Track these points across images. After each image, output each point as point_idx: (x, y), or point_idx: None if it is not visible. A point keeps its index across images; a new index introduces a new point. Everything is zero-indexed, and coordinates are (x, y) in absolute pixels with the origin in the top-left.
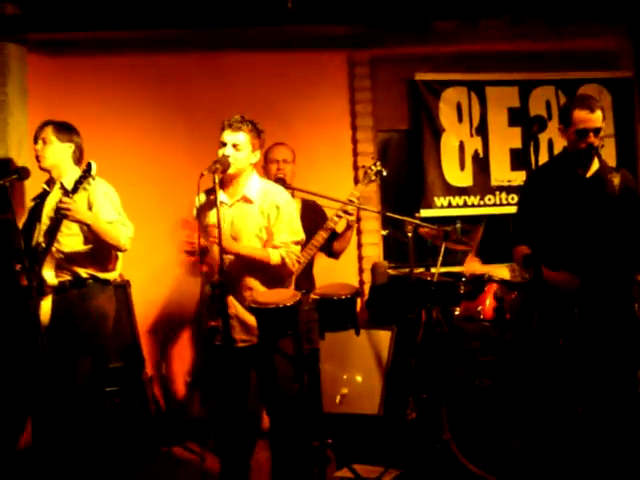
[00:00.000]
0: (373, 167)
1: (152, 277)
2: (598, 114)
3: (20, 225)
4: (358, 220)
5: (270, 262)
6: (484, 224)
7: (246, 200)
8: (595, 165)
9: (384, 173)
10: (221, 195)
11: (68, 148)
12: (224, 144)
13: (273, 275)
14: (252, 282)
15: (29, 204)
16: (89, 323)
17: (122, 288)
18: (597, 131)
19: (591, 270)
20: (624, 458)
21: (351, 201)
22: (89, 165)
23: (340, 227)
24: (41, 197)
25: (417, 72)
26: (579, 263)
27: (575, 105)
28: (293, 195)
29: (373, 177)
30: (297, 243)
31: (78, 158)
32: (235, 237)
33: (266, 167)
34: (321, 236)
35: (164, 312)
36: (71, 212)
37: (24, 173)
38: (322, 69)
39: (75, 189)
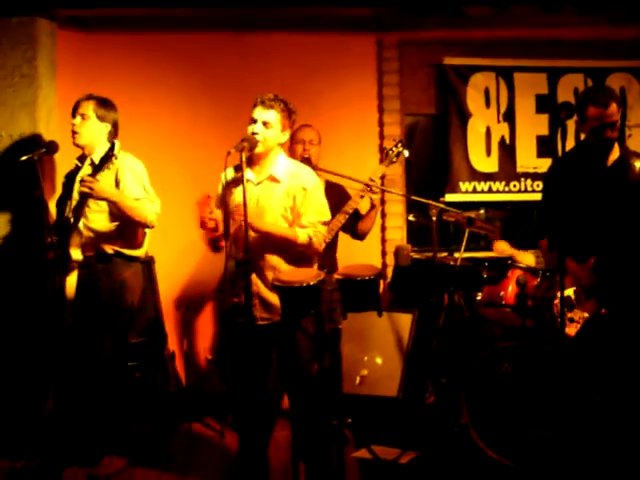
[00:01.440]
0: (394, 148)
1: (177, 254)
2: (612, 108)
3: (55, 199)
4: (382, 202)
5: (297, 241)
6: (508, 211)
7: (273, 179)
8: (615, 153)
9: (406, 154)
10: (248, 173)
11: (104, 127)
12: (254, 121)
13: (298, 255)
14: (276, 261)
15: (62, 180)
16: (114, 298)
17: (147, 264)
18: (613, 125)
19: (612, 265)
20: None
21: (372, 181)
22: (112, 145)
23: (364, 208)
24: (73, 173)
25: (445, 56)
26: (601, 253)
27: (588, 101)
28: (318, 175)
29: (394, 159)
30: (324, 223)
31: (113, 135)
32: (260, 215)
33: (292, 148)
34: (343, 216)
35: (188, 289)
36: (94, 191)
37: (52, 147)
38: (350, 51)
39: (99, 168)
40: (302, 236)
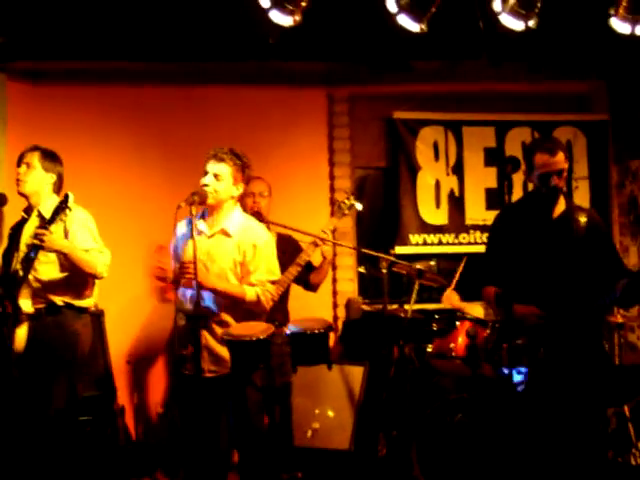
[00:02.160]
0: (346, 201)
1: (126, 306)
2: (560, 156)
3: (0, 252)
4: (334, 255)
5: (245, 299)
6: (465, 260)
7: (225, 233)
8: (561, 206)
9: (358, 207)
10: (201, 224)
11: (50, 178)
12: (206, 173)
13: (246, 311)
14: (225, 316)
15: (8, 231)
16: (65, 350)
17: (97, 317)
18: (560, 173)
19: (557, 307)
20: None
21: (325, 233)
22: (66, 197)
23: (316, 260)
24: (19, 225)
25: (395, 110)
26: (547, 302)
27: (536, 149)
28: (269, 228)
29: (346, 211)
30: (273, 282)
31: (58, 187)
32: (209, 269)
33: (242, 200)
34: (295, 269)
35: (137, 342)
36: (47, 243)
37: (1, 200)
38: (301, 105)
39: (52, 220)
40: (250, 294)
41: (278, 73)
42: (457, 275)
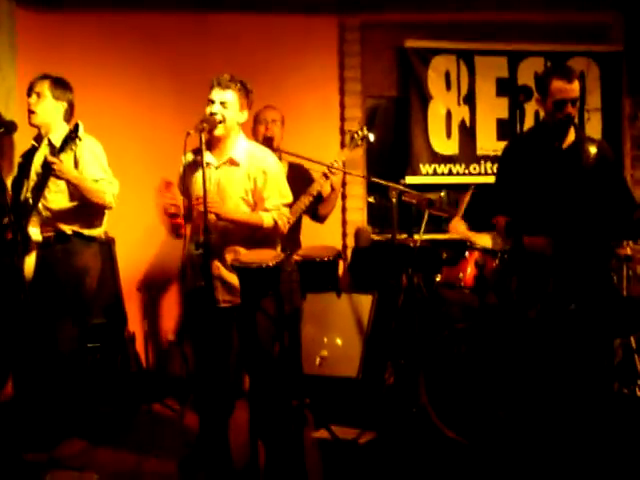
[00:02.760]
0: (360, 132)
1: (138, 235)
2: (576, 84)
3: (10, 180)
4: (343, 184)
5: (263, 225)
6: (473, 189)
7: (232, 162)
8: (571, 136)
9: (371, 138)
10: (208, 156)
11: (61, 106)
12: (212, 102)
13: (261, 238)
14: (238, 247)
15: (18, 160)
16: (73, 278)
17: (107, 245)
18: (574, 101)
19: (566, 237)
20: (598, 430)
21: (336, 163)
22: (76, 126)
23: (325, 191)
24: (30, 153)
25: (407, 39)
26: (556, 232)
27: (552, 75)
28: (280, 158)
29: (359, 142)
30: (287, 205)
31: (69, 115)
32: (222, 200)
33: (255, 128)
34: (307, 199)
35: (149, 270)
36: (57, 171)
37: (11, 127)
38: (312, 33)
39: (62, 149)
40: (267, 220)
41: (290, 0)
42: (464, 204)
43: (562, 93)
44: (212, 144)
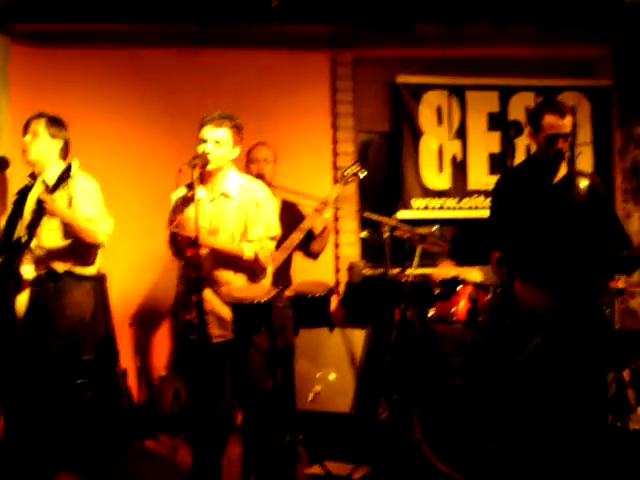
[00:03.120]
0: (350, 169)
1: (131, 270)
2: (568, 119)
3: (5, 218)
4: (336, 219)
5: (243, 256)
6: (456, 230)
7: (225, 196)
8: (562, 171)
9: (361, 175)
10: (200, 191)
11: (56, 144)
12: (204, 141)
13: (248, 269)
14: (228, 276)
15: (13, 197)
16: (64, 317)
17: (98, 282)
18: (566, 136)
19: (560, 282)
20: (592, 463)
21: (327, 201)
22: (69, 165)
23: (317, 227)
24: (24, 191)
25: (399, 74)
26: (548, 270)
27: (545, 110)
28: (274, 193)
29: (350, 179)
30: (272, 238)
31: (65, 153)
32: (213, 232)
33: (247, 166)
34: (297, 236)
35: (141, 306)
36: (49, 210)
37: (3, 164)
38: (305, 68)
39: (55, 187)
40: (247, 251)
41: (282, 36)
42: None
43: (554, 128)
44: (204, 178)
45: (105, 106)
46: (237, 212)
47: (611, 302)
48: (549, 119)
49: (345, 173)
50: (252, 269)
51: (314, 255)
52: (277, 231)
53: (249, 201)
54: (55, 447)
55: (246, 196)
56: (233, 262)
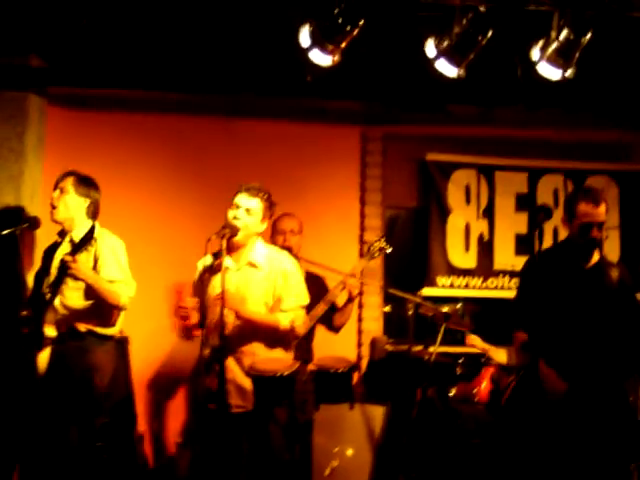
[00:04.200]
0: (376, 244)
1: (151, 335)
2: (602, 208)
3: (33, 273)
4: (360, 294)
5: (279, 327)
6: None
7: (252, 265)
8: (595, 257)
9: (387, 250)
10: (227, 260)
11: (83, 202)
12: (237, 207)
13: (276, 340)
14: (254, 347)
15: (42, 253)
16: (85, 376)
17: (120, 344)
18: (601, 225)
19: (585, 366)
20: None
21: (353, 275)
22: (92, 227)
23: (341, 300)
24: (52, 248)
25: (428, 152)
26: (573, 354)
27: (580, 198)
28: (299, 265)
29: (376, 254)
30: (304, 307)
31: (93, 213)
32: (242, 302)
33: (273, 237)
34: (321, 308)
35: (160, 369)
36: (73, 270)
37: (35, 223)
38: (335, 142)
39: (79, 247)
40: (284, 321)
41: (314, 110)
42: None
43: (589, 217)
44: (230, 248)
45: (136, 171)
46: (264, 282)
47: (636, 388)
48: (584, 207)
49: (371, 248)
50: (282, 340)
51: (336, 329)
52: (307, 300)
53: (277, 271)
54: None
55: (274, 266)
56: (263, 333)
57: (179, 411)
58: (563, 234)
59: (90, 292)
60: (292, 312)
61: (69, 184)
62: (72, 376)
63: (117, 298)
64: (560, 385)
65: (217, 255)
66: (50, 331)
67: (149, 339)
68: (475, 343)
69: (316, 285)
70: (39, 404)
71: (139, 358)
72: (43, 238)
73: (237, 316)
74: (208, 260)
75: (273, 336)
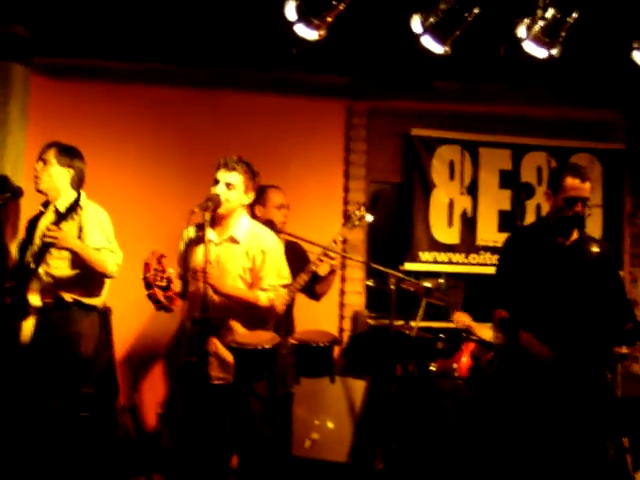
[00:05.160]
0: (357, 212)
1: (132, 305)
2: (588, 184)
3: (16, 244)
4: (343, 267)
5: (259, 303)
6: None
7: (233, 240)
8: (575, 234)
9: (368, 219)
10: (210, 233)
11: (66, 172)
12: (217, 182)
13: (257, 316)
14: (234, 322)
15: (25, 224)
16: (69, 347)
17: (104, 314)
18: (585, 201)
19: (566, 342)
20: None
21: (335, 243)
22: (78, 195)
23: (323, 270)
24: (36, 218)
25: (413, 127)
26: (555, 330)
27: (567, 173)
28: (278, 237)
29: (357, 222)
30: (285, 286)
31: (77, 183)
32: (221, 276)
33: (267, 210)
34: (302, 279)
35: (141, 342)
36: (57, 240)
37: (18, 192)
38: (320, 116)
39: (64, 217)
40: (263, 299)
41: (299, 83)
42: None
43: (574, 191)
44: (215, 221)
45: (119, 141)
46: (242, 257)
47: (613, 367)
48: (570, 181)
49: (352, 216)
50: (261, 316)
51: (318, 296)
52: (289, 278)
53: (256, 248)
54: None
55: (253, 242)
56: (243, 309)
57: (159, 383)
58: (546, 211)
59: (76, 261)
60: (272, 291)
61: (51, 155)
62: (56, 345)
63: (104, 265)
64: (543, 348)
65: (200, 227)
66: (35, 300)
67: (129, 309)
68: (461, 319)
69: (296, 255)
70: (22, 373)
71: (120, 329)
72: (27, 209)
73: (214, 291)
74: (191, 232)
75: (252, 312)
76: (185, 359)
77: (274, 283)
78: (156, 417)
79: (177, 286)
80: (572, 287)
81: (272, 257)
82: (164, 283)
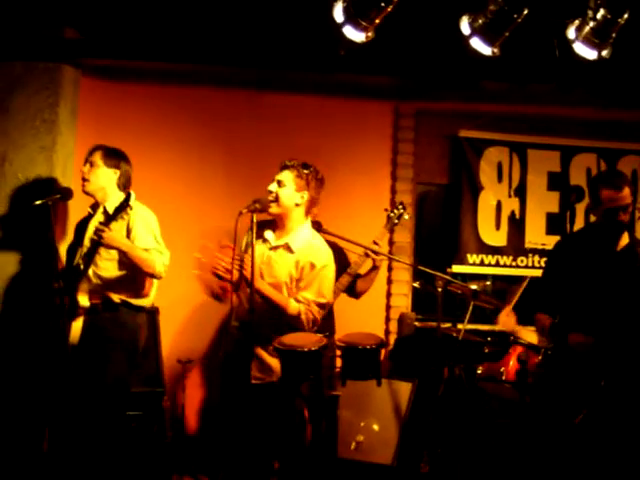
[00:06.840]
0: (395, 211)
1: (180, 305)
2: (626, 191)
3: (66, 246)
4: (389, 269)
5: (287, 310)
6: (527, 281)
7: (288, 249)
8: (625, 239)
9: (405, 216)
10: (268, 234)
11: (113, 174)
12: (273, 181)
13: (286, 323)
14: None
15: (75, 226)
16: (117, 346)
17: (152, 315)
18: (625, 208)
19: (616, 347)
20: None
21: (376, 244)
22: (128, 195)
23: (364, 269)
24: (86, 220)
25: (461, 129)
26: (605, 335)
27: (601, 185)
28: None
29: (395, 221)
30: (320, 305)
31: (124, 184)
32: (262, 276)
33: None
34: (346, 279)
35: (189, 341)
36: (106, 239)
37: (67, 194)
38: (367, 118)
39: (113, 217)
40: (293, 307)
41: (346, 85)
42: (516, 296)
43: (612, 202)
44: (276, 222)
45: (167, 142)
46: (292, 266)
47: None
48: (606, 193)
49: (391, 216)
50: (290, 325)
51: (358, 295)
52: (328, 299)
53: (306, 260)
54: (97, 476)
55: (306, 254)
56: (279, 315)
57: (207, 382)
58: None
59: (124, 262)
60: (304, 305)
61: (98, 157)
62: (105, 346)
63: (152, 266)
64: (586, 340)
65: (262, 226)
66: (84, 301)
67: (178, 310)
68: (507, 323)
69: (337, 256)
70: (71, 373)
71: (168, 329)
72: (75, 211)
73: (247, 284)
74: (249, 235)
75: (281, 319)
76: (227, 357)
77: (310, 298)
78: (200, 417)
79: (235, 274)
80: (624, 293)
81: (319, 272)
82: (221, 272)
